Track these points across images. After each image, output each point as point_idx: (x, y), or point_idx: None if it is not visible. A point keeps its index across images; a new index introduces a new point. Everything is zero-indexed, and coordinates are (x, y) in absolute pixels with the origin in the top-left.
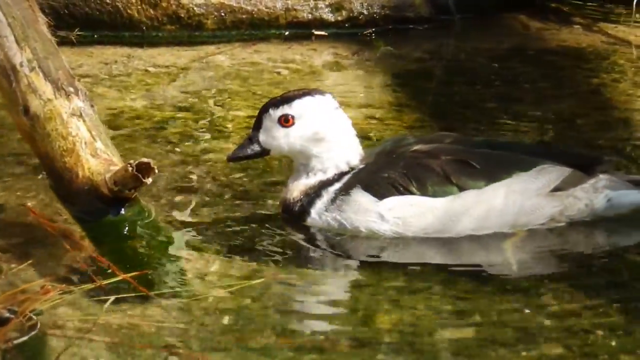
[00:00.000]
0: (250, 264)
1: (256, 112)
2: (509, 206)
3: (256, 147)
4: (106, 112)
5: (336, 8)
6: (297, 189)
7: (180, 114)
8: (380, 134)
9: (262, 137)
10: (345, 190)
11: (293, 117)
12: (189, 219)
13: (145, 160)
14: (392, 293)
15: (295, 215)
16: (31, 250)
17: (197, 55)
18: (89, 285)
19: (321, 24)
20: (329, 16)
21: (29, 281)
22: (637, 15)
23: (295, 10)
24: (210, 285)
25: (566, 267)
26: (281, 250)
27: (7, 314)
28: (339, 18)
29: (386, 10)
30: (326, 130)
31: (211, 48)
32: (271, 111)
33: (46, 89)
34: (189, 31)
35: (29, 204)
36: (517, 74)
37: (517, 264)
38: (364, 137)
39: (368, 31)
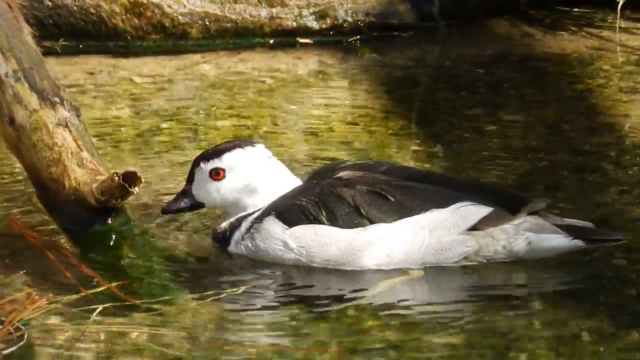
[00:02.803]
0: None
1: (241, 122)
2: (415, 243)
3: (189, 201)
4: (92, 122)
5: (321, 16)
6: (226, 219)
7: (165, 124)
8: (366, 141)
9: (194, 190)
10: (261, 218)
11: (224, 170)
12: (175, 229)
13: (131, 169)
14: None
15: (219, 243)
16: (18, 261)
17: (182, 64)
18: (76, 296)
19: (306, 32)
20: (314, 24)
21: (16, 292)
22: (622, 21)
23: (279, 18)
24: (197, 294)
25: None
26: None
27: None
28: (324, 26)
29: (371, 17)
30: (258, 181)
31: (196, 57)
32: (202, 165)
33: (32, 99)
34: (173, 40)
35: (13, 215)
36: (502, 80)
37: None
38: (349, 144)
39: (353, 39)
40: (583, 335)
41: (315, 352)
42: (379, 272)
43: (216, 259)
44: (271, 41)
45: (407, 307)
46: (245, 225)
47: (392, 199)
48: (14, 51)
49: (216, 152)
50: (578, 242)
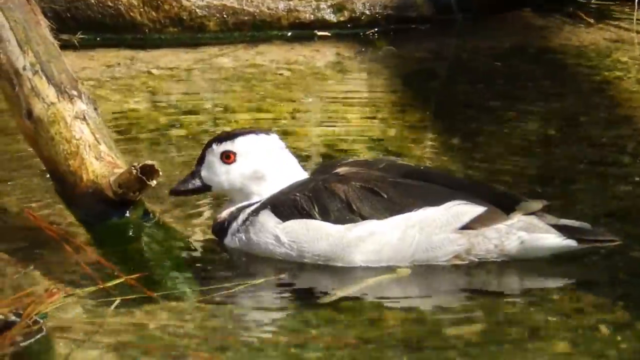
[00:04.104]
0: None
1: (259, 114)
2: (405, 241)
3: (197, 183)
4: (110, 115)
5: (338, 9)
6: (227, 209)
7: (183, 116)
8: (383, 133)
9: (204, 172)
10: (257, 211)
11: (235, 154)
12: (193, 221)
13: (149, 162)
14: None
15: (217, 236)
16: (36, 253)
17: (200, 57)
18: (94, 288)
19: (323, 24)
20: (331, 17)
21: (33, 285)
22: None
23: (297, 11)
24: (215, 286)
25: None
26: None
27: (13, 318)
28: (341, 19)
29: (388, 10)
30: (266, 169)
31: (214, 50)
32: (214, 146)
33: (49, 93)
34: (191, 33)
35: (31, 207)
36: (520, 73)
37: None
38: (366, 137)
39: (370, 31)
40: (600, 326)
41: (332, 344)
42: (368, 269)
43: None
44: (289, 34)
45: (418, 301)
46: (242, 216)
47: (385, 196)
48: (31, 44)
49: (229, 135)
50: (571, 242)
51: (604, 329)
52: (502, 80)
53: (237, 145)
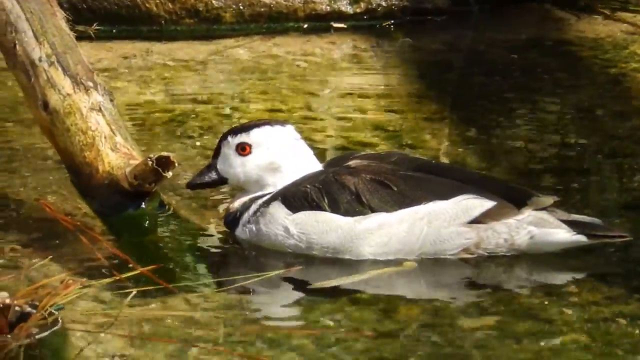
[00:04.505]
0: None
1: (275, 106)
2: (413, 234)
3: (213, 175)
4: (125, 107)
5: (355, 0)
6: (240, 200)
7: (199, 108)
8: (400, 126)
9: (220, 165)
10: (268, 202)
11: (250, 146)
12: (209, 213)
13: (165, 154)
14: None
15: (229, 227)
16: (51, 245)
17: (216, 48)
18: (109, 280)
19: (340, 16)
20: (348, 8)
21: (49, 276)
22: None
23: (313, 2)
24: (231, 278)
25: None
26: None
27: (29, 309)
28: (358, 10)
29: (404, 2)
30: (282, 160)
31: (230, 41)
32: (229, 139)
33: (65, 84)
34: (207, 25)
35: (47, 198)
36: (536, 65)
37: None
38: (382, 129)
39: (386, 23)
40: (618, 319)
41: (348, 336)
42: (377, 262)
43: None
44: (305, 26)
45: (432, 294)
46: (254, 207)
47: (395, 189)
48: (47, 36)
49: (245, 127)
50: (581, 238)
51: (620, 320)
52: (518, 72)
53: (252, 136)
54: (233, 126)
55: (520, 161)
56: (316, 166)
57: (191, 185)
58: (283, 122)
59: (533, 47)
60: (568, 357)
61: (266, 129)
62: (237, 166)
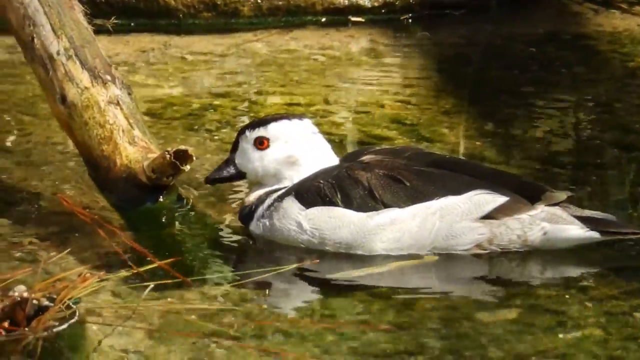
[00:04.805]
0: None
1: (293, 99)
2: (425, 229)
3: (232, 170)
4: (143, 100)
5: None
6: (256, 193)
7: (217, 101)
8: (417, 119)
9: (238, 159)
10: (282, 197)
11: (268, 140)
12: (226, 207)
13: (182, 147)
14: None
15: (242, 220)
16: (69, 238)
17: (234, 42)
18: (127, 273)
19: (358, 10)
20: (366, 2)
21: (67, 269)
22: None
23: None
24: (248, 271)
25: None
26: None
27: (46, 302)
28: (375, 4)
29: None
30: (300, 154)
31: (248, 35)
32: (247, 133)
33: (83, 77)
34: (225, 18)
35: (65, 192)
36: (553, 59)
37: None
38: (400, 122)
39: (404, 17)
40: (635, 313)
41: (366, 329)
42: (389, 257)
43: None
44: (323, 19)
45: (448, 288)
46: (268, 201)
47: (408, 184)
48: (65, 29)
49: (262, 121)
50: (594, 234)
51: (637, 315)
52: (536, 66)
53: (270, 130)
54: (251, 120)
55: (537, 155)
56: (334, 160)
57: (209, 180)
58: (301, 116)
59: (551, 41)
60: (585, 351)
61: (284, 122)
62: (255, 160)
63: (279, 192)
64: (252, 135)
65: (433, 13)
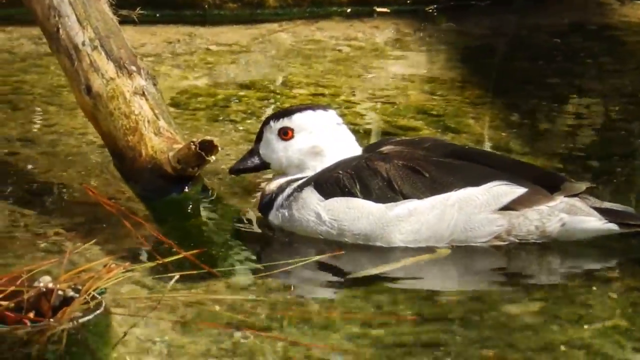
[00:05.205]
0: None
1: (318, 90)
2: (443, 221)
3: (256, 160)
4: (169, 91)
5: None
6: (277, 181)
7: (242, 92)
8: (443, 110)
9: (262, 149)
10: (302, 187)
11: (292, 130)
12: (251, 197)
13: (208, 138)
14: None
15: (262, 212)
16: (94, 229)
17: (259, 33)
18: (152, 264)
19: (383, 0)
20: None
21: (92, 260)
22: None
23: None
24: (273, 263)
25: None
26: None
27: (72, 293)
28: None
29: None
30: (324, 144)
31: (273, 26)
32: (272, 123)
33: (108, 68)
34: (250, 9)
35: (91, 183)
36: (579, 49)
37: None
38: (426, 113)
39: (430, 8)
40: None
41: (391, 320)
42: (408, 249)
43: None
44: (348, 10)
45: (470, 280)
46: (288, 190)
47: (427, 175)
48: (90, 20)
49: (287, 112)
50: (612, 226)
51: None
52: (562, 57)
53: (294, 121)
54: (275, 111)
55: (563, 145)
56: (357, 151)
57: (234, 171)
58: (325, 107)
59: (576, 32)
60: (612, 341)
61: (308, 113)
62: (279, 150)
63: (299, 182)
64: (276, 125)
65: (458, 4)
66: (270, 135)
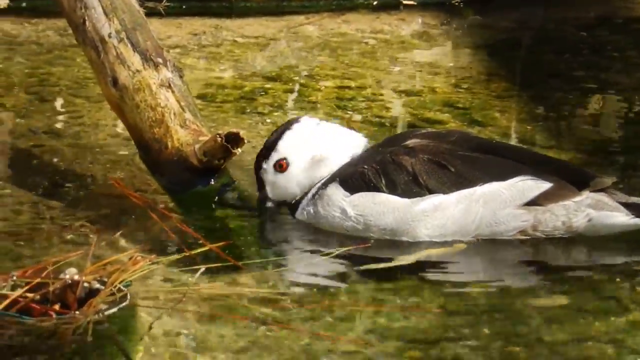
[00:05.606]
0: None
1: (344, 83)
2: (469, 216)
3: (270, 204)
4: (195, 83)
5: None
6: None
7: (269, 85)
8: (469, 103)
9: (270, 194)
10: (326, 184)
11: (285, 159)
12: None
13: (234, 130)
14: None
15: (289, 209)
16: (120, 221)
17: (286, 25)
18: (178, 256)
19: None
20: None
21: (118, 252)
22: None
23: None
24: (297, 256)
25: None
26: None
27: (97, 285)
28: None
29: None
30: (320, 150)
31: (300, 18)
32: (265, 166)
33: (135, 60)
34: (277, 1)
35: (117, 175)
36: (605, 43)
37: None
38: (452, 106)
39: (456, 1)
40: None
41: (416, 312)
42: (433, 244)
43: None
44: (374, 3)
45: (495, 273)
46: (312, 190)
47: (453, 169)
48: (117, 12)
49: (270, 147)
50: (639, 221)
51: None
52: (588, 50)
53: (282, 150)
54: (257, 154)
55: (589, 139)
56: (353, 135)
57: (262, 217)
58: (297, 119)
59: (603, 25)
60: (638, 335)
61: (288, 135)
62: (286, 183)
63: (323, 180)
64: (269, 164)
65: None
66: (270, 176)
